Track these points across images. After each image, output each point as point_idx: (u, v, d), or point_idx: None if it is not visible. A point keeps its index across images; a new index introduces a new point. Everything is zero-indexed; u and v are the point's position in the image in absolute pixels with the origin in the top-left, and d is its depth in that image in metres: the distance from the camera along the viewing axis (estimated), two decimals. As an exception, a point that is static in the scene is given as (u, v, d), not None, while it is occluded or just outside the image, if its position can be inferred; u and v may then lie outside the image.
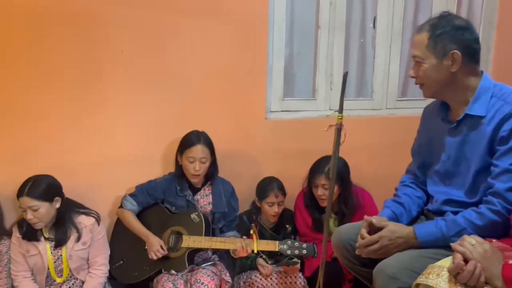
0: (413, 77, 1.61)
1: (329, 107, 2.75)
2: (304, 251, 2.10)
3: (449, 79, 1.53)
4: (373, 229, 1.57)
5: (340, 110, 1.67)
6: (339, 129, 1.65)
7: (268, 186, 2.37)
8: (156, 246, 2.13)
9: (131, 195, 2.27)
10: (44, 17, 2.16)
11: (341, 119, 1.66)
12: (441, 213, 1.59)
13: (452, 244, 1.25)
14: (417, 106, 2.88)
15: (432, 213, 1.65)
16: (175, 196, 2.28)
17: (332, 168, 1.69)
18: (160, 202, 2.31)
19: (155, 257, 2.12)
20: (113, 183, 2.38)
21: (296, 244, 2.11)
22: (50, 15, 2.16)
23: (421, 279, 1.25)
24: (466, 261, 1.19)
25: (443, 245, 1.44)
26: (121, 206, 2.28)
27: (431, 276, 1.23)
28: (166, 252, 2.14)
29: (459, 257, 1.20)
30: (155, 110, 2.40)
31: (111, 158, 2.36)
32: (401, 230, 1.52)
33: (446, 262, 1.27)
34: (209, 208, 2.31)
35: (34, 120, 2.23)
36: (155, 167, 2.44)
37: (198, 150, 2.20)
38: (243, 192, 2.46)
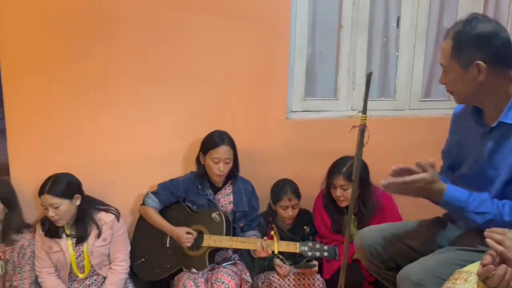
0: (442, 84, 1.57)
1: (351, 107, 2.72)
2: (326, 253, 2.07)
3: (477, 88, 1.47)
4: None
5: (364, 110, 1.65)
6: (362, 130, 1.63)
7: (281, 189, 2.35)
8: (184, 236, 2.15)
9: (154, 193, 2.29)
10: (70, 17, 2.19)
11: (364, 120, 1.63)
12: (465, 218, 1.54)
13: (488, 240, 1.19)
14: (441, 107, 2.83)
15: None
16: (197, 195, 2.29)
17: (355, 170, 1.67)
18: (181, 200, 2.32)
19: (189, 244, 2.14)
20: (135, 181, 2.40)
21: (317, 246, 2.09)
22: (76, 15, 2.20)
23: (448, 285, 1.22)
24: (496, 263, 1.15)
25: (457, 215, 1.42)
26: (143, 204, 2.30)
27: (459, 281, 1.20)
28: (196, 234, 2.15)
29: (488, 260, 1.16)
30: (177, 109, 2.41)
31: (133, 157, 2.38)
32: (439, 182, 1.47)
33: (474, 268, 1.23)
34: (230, 207, 2.32)
35: (57, 119, 2.27)
36: (176, 166, 2.45)
37: (223, 151, 2.21)
38: (263, 192, 2.45)
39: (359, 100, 2.71)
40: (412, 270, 1.40)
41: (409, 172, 1.47)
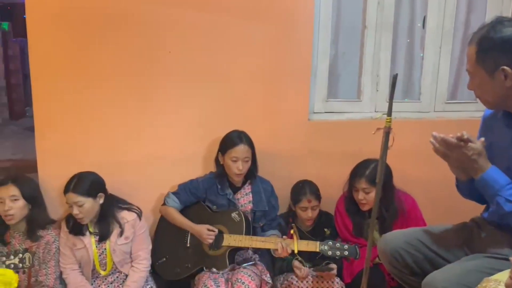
0: (470, 89, 1.54)
1: (374, 109, 2.68)
2: (346, 253, 2.05)
3: (505, 93, 1.43)
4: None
5: (389, 112, 1.63)
6: (387, 133, 1.60)
7: (300, 190, 2.34)
8: (205, 232, 2.17)
9: (174, 193, 2.32)
10: (96, 19, 2.23)
11: (389, 122, 1.61)
12: (499, 226, 1.50)
13: None
14: (467, 109, 2.78)
15: (487, 223, 1.57)
16: (216, 195, 2.30)
17: (379, 173, 1.64)
18: (201, 201, 2.34)
19: (210, 241, 2.17)
20: (156, 182, 2.43)
21: (338, 245, 2.07)
22: (102, 17, 2.24)
23: (475, 293, 1.20)
24: None
25: (488, 195, 1.41)
26: (164, 204, 2.32)
27: (487, 290, 1.17)
28: (217, 231, 2.17)
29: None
30: (199, 110, 2.43)
31: (155, 157, 2.41)
32: (486, 158, 1.45)
33: (503, 276, 1.20)
34: (249, 206, 2.32)
35: (83, 118, 2.31)
36: (196, 166, 2.47)
37: (242, 150, 2.22)
38: (283, 193, 2.44)
39: (382, 101, 2.67)
40: (438, 277, 1.37)
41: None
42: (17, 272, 1.65)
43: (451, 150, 1.45)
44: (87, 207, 2.06)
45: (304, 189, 2.33)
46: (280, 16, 2.42)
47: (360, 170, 2.25)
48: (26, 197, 2.11)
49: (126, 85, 2.32)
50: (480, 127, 1.72)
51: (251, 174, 2.32)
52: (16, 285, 1.04)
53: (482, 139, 1.47)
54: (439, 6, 2.65)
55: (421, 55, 2.79)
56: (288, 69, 2.48)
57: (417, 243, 1.63)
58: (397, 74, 1.59)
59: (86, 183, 2.08)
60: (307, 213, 2.31)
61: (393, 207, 2.24)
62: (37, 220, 2.13)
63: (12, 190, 2.08)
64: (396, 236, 1.68)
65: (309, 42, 2.48)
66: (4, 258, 1.61)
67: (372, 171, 2.19)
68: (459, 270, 1.39)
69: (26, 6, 2.16)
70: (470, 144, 1.42)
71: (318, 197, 2.34)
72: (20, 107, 7.54)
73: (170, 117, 2.40)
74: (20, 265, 1.63)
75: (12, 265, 1.54)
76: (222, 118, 2.43)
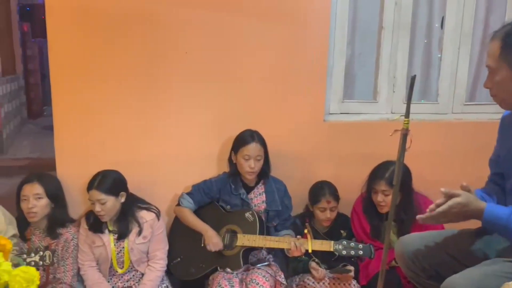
0: (486, 87, 1.50)
1: (390, 110, 2.66)
2: (360, 252, 2.04)
3: None
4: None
5: (407, 114, 1.61)
6: (405, 135, 1.59)
7: (319, 191, 2.33)
8: (214, 239, 2.17)
9: (188, 193, 2.33)
10: (114, 19, 2.26)
11: (407, 124, 1.59)
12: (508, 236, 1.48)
13: None
14: (487, 111, 2.73)
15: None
16: (230, 194, 2.31)
17: (397, 175, 1.63)
18: (215, 201, 2.35)
19: (213, 249, 2.16)
20: (170, 182, 2.45)
21: (352, 244, 2.06)
22: (119, 17, 2.26)
23: (495, 298, 1.17)
24: None
25: (500, 233, 1.40)
26: (178, 205, 2.34)
27: (507, 295, 1.15)
28: (222, 247, 2.18)
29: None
30: (214, 110, 2.44)
31: (169, 157, 2.43)
32: (475, 202, 1.43)
33: (524, 282, 1.18)
34: (263, 206, 2.32)
35: (101, 118, 2.34)
36: (211, 166, 2.47)
37: (253, 148, 2.23)
38: (298, 194, 2.44)
39: (399, 103, 2.64)
40: (456, 281, 1.36)
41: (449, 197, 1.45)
42: (37, 269, 1.67)
43: (444, 217, 1.45)
44: (109, 205, 2.09)
45: (323, 189, 2.32)
46: (296, 16, 2.42)
47: (380, 172, 2.23)
48: (49, 196, 2.14)
49: (142, 85, 2.35)
50: (499, 129, 1.69)
51: (264, 174, 2.32)
52: (38, 282, 1.06)
53: (464, 183, 1.48)
54: (458, 7, 2.61)
55: (439, 56, 2.75)
56: (304, 69, 2.48)
57: (435, 247, 1.61)
58: (415, 76, 1.58)
59: (110, 181, 2.11)
60: (326, 214, 2.30)
61: (412, 210, 2.21)
62: (58, 218, 2.16)
63: (37, 188, 2.11)
64: (414, 239, 1.66)
65: (325, 42, 2.47)
66: (24, 256, 1.64)
67: (392, 173, 2.17)
68: (478, 274, 1.36)
69: (46, 8, 2.20)
70: (452, 201, 1.41)
71: (337, 198, 2.34)
72: (38, 106, 7.67)
73: (185, 117, 2.42)
74: (41, 262, 1.66)
75: (33, 263, 1.56)
76: (237, 119, 2.43)
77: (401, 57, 2.62)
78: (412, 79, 1.56)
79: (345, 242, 2.06)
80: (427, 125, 2.65)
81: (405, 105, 1.62)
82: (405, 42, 2.61)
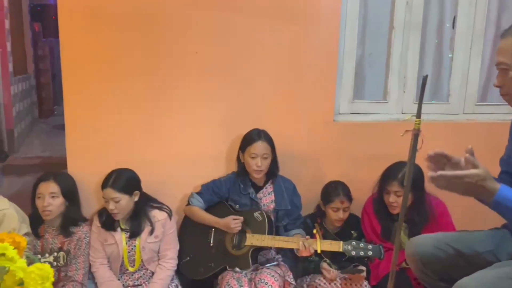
0: (497, 86, 1.47)
1: (401, 110, 2.65)
2: (370, 253, 2.03)
3: None
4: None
5: (418, 115, 1.60)
6: (416, 135, 1.58)
7: (333, 191, 2.32)
8: (231, 222, 2.18)
9: (198, 193, 2.34)
10: (124, 21, 2.27)
11: (419, 124, 1.58)
12: None
13: None
14: (498, 111, 2.71)
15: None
16: (239, 194, 2.31)
17: (407, 175, 1.62)
18: (224, 200, 2.35)
19: (239, 228, 2.18)
20: (180, 181, 2.46)
21: (361, 244, 2.05)
22: (130, 19, 2.28)
23: (508, 301, 1.16)
24: None
25: (507, 216, 1.34)
26: (188, 204, 2.35)
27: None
28: (242, 219, 2.19)
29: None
30: (223, 110, 2.44)
31: (178, 157, 2.44)
32: (492, 181, 1.34)
33: (537, 284, 1.16)
34: (271, 206, 2.33)
35: (112, 117, 2.35)
36: (220, 166, 2.48)
37: (260, 147, 2.23)
38: (307, 194, 2.44)
39: (409, 103, 2.63)
40: (468, 284, 1.34)
41: (447, 157, 1.38)
42: (51, 269, 1.69)
43: (454, 183, 1.33)
44: (123, 203, 2.10)
45: (337, 189, 2.31)
46: (306, 16, 2.41)
47: (392, 173, 2.22)
48: (64, 195, 2.15)
49: (153, 85, 2.36)
50: (510, 130, 1.67)
51: (272, 173, 2.32)
52: (53, 279, 1.07)
53: (469, 146, 1.36)
54: (470, 6, 2.59)
55: (450, 55, 2.73)
56: (314, 69, 2.47)
57: (447, 248, 1.59)
58: (427, 75, 1.57)
59: (124, 180, 2.12)
60: (338, 214, 2.29)
61: (424, 211, 2.20)
62: (71, 217, 2.18)
63: (53, 187, 2.12)
64: (425, 240, 1.65)
65: (335, 42, 2.47)
66: (39, 256, 1.66)
67: (404, 174, 2.15)
68: (491, 276, 1.35)
69: (58, 8, 2.22)
70: (471, 171, 1.32)
71: (350, 198, 2.33)
72: (49, 105, 7.75)
73: (194, 117, 2.43)
74: (55, 263, 1.68)
75: (47, 263, 1.57)
76: (246, 118, 2.43)
77: (412, 57, 2.60)
78: (424, 79, 1.56)
79: (354, 243, 2.05)
80: (438, 126, 2.63)
81: (416, 106, 1.62)
82: (416, 42, 2.60)
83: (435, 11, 2.69)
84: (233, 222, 2.18)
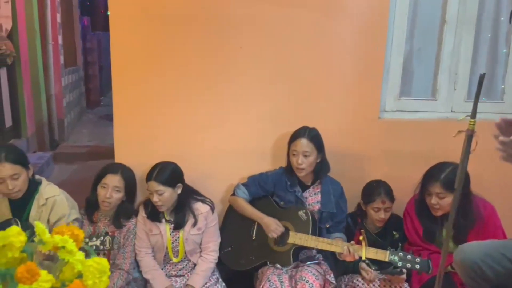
0: None
1: (450, 109, 2.54)
2: (417, 266, 1.97)
3: None
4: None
5: (473, 115, 1.53)
6: (470, 136, 1.51)
7: (374, 190, 2.27)
8: (273, 225, 2.18)
9: (244, 184, 2.35)
10: (173, 16, 2.31)
11: (473, 125, 1.51)
12: None
13: None
14: (558, 111, 2.54)
15: None
16: (285, 190, 2.30)
17: (459, 178, 1.55)
18: (269, 195, 2.35)
19: (275, 235, 2.17)
20: (225, 174, 2.48)
21: (409, 257, 1.99)
22: (179, 14, 2.31)
23: None
24: None
25: None
26: (233, 194, 2.36)
27: None
28: (283, 229, 2.18)
29: None
30: (270, 105, 2.44)
31: (225, 150, 2.46)
32: None
33: None
34: (317, 207, 2.30)
35: (158, 110, 2.40)
36: (265, 160, 2.48)
37: (301, 144, 2.20)
38: (350, 192, 2.39)
39: (460, 101, 2.52)
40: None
41: None
42: (97, 253, 1.74)
43: None
44: (166, 196, 2.15)
45: (378, 189, 2.26)
46: (354, 10, 2.37)
47: (435, 174, 2.14)
48: (126, 191, 2.21)
49: (200, 79, 2.39)
50: None
51: (320, 173, 2.29)
52: (109, 273, 1.10)
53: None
54: (530, -1, 2.44)
55: (505, 51, 2.60)
56: (360, 64, 2.42)
57: (499, 256, 1.53)
58: (484, 74, 1.50)
59: (168, 173, 2.16)
60: (380, 214, 2.24)
61: (471, 215, 2.11)
62: (125, 211, 2.24)
63: (119, 181, 2.18)
64: (475, 248, 1.58)
65: (383, 37, 2.40)
66: (87, 239, 1.72)
67: (448, 176, 2.08)
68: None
69: (109, 2, 2.28)
70: None
71: (392, 198, 2.27)
72: (96, 96, 8.05)
73: (240, 112, 2.44)
74: (101, 247, 1.73)
75: (94, 247, 1.64)
76: (292, 114, 2.42)
77: (464, 52, 2.49)
78: (481, 78, 1.49)
79: (401, 254, 2.00)
80: (491, 125, 2.49)
81: (467, 104, 1.55)
82: (469, 37, 2.48)
83: (490, 5, 2.56)
84: (275, 227, 2.18)
